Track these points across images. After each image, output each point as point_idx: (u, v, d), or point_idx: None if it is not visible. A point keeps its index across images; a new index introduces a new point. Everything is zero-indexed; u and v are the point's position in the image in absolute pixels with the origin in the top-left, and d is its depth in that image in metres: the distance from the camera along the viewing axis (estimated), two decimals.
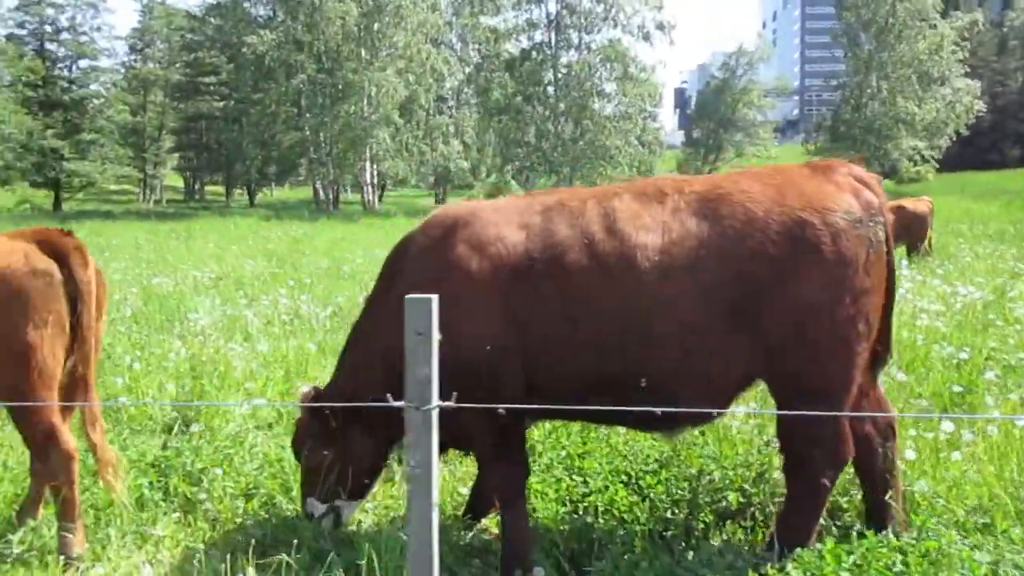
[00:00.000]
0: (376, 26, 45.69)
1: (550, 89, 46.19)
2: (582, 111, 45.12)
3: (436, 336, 2.82)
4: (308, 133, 47.05)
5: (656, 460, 4.80)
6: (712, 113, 68.19)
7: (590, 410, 3.96)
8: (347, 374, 4.51)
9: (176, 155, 64.99)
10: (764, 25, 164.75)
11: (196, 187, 70.71)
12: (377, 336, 4.30)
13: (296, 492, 4.77)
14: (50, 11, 53.25)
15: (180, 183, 73.19)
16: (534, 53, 46.57)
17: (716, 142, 68.37)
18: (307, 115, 46.41)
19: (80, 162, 48.96)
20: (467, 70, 55.55)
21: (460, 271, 4.04)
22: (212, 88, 59.37)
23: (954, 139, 52.08)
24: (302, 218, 39.34)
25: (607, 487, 4.59)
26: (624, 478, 4.68)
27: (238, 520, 4.72)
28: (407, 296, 2.86)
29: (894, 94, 48.98)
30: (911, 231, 14.56)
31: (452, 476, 5.23)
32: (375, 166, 49.94)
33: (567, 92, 45.56)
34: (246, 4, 50.36)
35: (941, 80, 49.82)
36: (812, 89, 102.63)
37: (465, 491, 4.91)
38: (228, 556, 3.95)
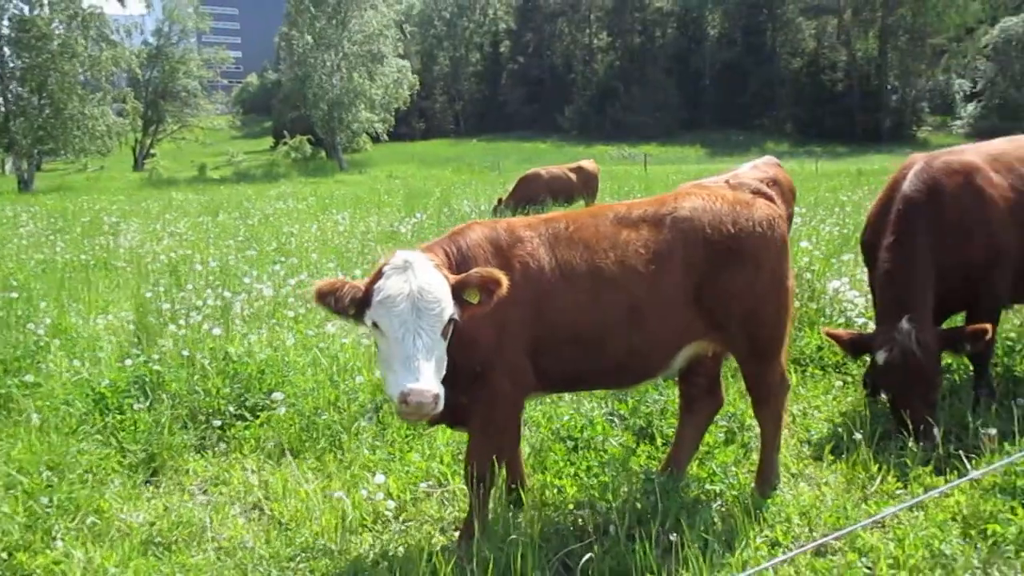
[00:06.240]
0: None
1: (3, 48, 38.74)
2: (46, 74, 38.94)
3: None
4: None
5: None
6: (148, 83, 64.00)
7: None
8: None
9: None
10: None
11: None
12: None
13: None
14: None
15: None
16: None
17: (156, 113, 64.60)
18: None
19: None
20: None
21: None
22: None
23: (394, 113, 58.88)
24: None
25: None
26: None
27: None
28: None
29: (350, 70, 53.12)
30: (589, 186, 17.90)
31: None
32: None
33: (24, 51, 38.78)
34: None
35: (382, 59, 55.64)
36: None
37: None
38: None
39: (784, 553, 3.91)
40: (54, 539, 4.25)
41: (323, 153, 59.36)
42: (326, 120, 53.53)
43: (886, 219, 5.36)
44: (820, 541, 3.54)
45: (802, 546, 3.77)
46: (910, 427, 4.82)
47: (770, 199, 4.39)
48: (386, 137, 58.05)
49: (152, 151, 66.10)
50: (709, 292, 4.06)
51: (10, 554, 4.10)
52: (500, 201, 17.38)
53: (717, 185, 4.50)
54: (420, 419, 3.38)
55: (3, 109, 39.83)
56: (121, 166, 61.06)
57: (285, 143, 62.11)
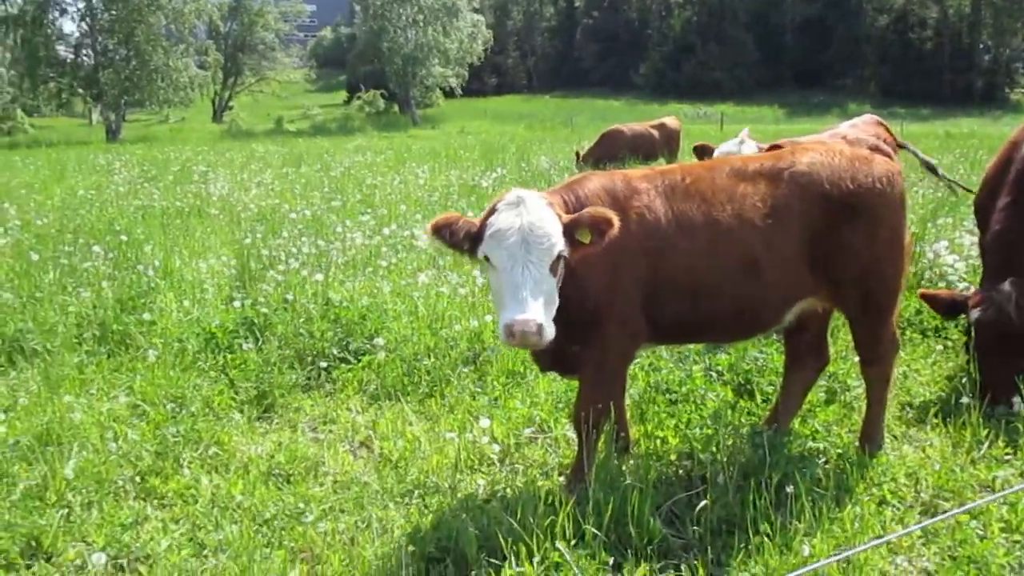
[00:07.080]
0: None
1: None
2: (132, 26, 39.92)
3: None
4: None
5: None
6: (227, 35, 64.91)
7: None
8: None
9: None
10: None
11: None
12: None
13: None
14: None
15: None
16: None
17: (235, 66, 65.62)
18: None
19: None
20: None
21: None
22: None
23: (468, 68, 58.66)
24: None
25: None
26: None
27: None
28: None
29: (426, 24, 53.07)
30: (670, 144, 17.68)
31: None
32: None
33: (112, 3, 39.78)
34: None
35: (456, 13, 55.39)
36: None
37: None
38: None
39: (893, 510, 3.92)
40: (181, 467, 4.51)
41: (396, 107, 59.64)
42: (400, 74, 53.72)
43: (1003, 180, 5.20)
44: (969, 506, 3.52)
45: (949, 511, 3.78)
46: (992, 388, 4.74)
47: (887, 156, 4.31)
48: (459, 92, 57.97)
49: (230, 104, 67.40)
50: (825, 248, 4.03)
51: (143, 478, 4.37)
52: (578, 156, 17.31)
53: (834, 140, 4.43)
54: (525, 348, 3.50)
55: (93, 61, 41.00)
56: (200, 118, 62.51)
57: (359, 97, 62.44)
